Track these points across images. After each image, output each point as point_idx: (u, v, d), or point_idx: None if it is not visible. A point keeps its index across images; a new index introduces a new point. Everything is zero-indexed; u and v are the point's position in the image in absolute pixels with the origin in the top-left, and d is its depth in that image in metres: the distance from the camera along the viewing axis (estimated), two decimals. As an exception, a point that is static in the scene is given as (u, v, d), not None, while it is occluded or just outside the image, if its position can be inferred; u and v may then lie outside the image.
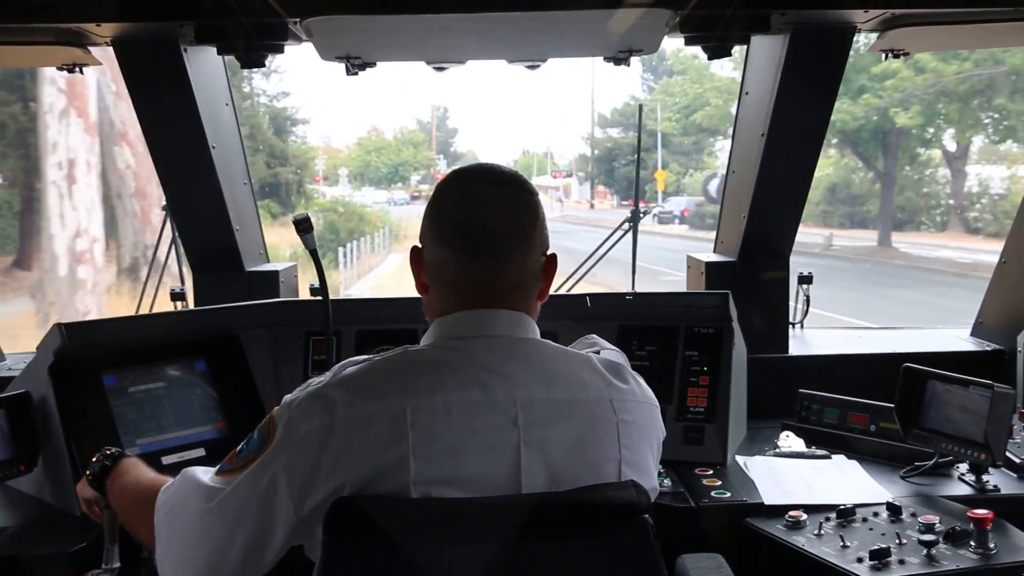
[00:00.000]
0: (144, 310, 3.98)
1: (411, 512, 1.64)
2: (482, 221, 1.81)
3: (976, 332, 4.04)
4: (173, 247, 4.01)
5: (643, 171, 44.81)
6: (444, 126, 69.29)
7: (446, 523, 1.64)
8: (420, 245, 1.90)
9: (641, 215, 4.13)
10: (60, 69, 3.42)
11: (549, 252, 1.91)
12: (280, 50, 3.11)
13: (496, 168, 1.92)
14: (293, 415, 1.72)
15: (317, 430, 1.68)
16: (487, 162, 1.95)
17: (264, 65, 3.13)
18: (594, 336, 2.32)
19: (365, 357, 1.81)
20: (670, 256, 15.29)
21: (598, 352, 2.01)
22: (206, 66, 3.50)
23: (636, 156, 4.39)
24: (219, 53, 3.25)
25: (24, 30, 3.04)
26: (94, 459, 2.17)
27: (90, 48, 3.27)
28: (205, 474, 1.81)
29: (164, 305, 4.00)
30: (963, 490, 2.84)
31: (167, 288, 3.99)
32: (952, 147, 29.72)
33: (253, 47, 3.08)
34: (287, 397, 1.78)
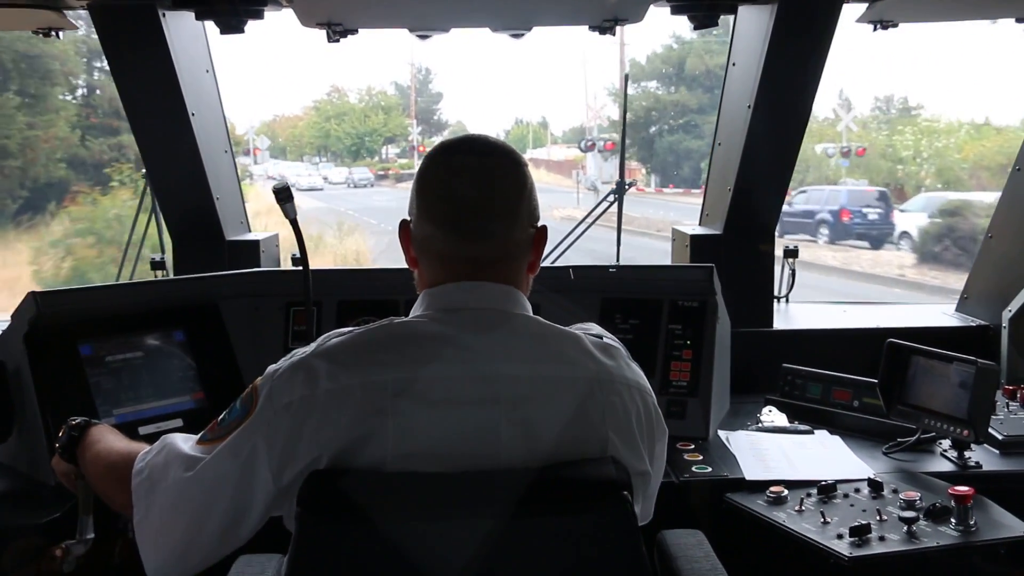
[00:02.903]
0: (124, 278, 3.95)
1: (386, 487, 1.62)
2: (466, 193, 1.79)
3: (961, 307, 4.03)
4: (153, 215, 3.97)
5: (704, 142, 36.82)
6: (426, 90, 56.73)
7: (422, 498, 1.62)
8: (408, 219, 1.88)
9: (627, 187, 4.13)
10: (36, 33, 3.36)
11: (539, 224, 1.88)
12: (260, 15, 3.06)
13: (482, 139, 1.89)
14: (275, 385, 1.71)
15: (298, 401, 1.67)
16: (475, 133, 1.93)
17: (243, 31, 3.07)
18: (595, 326, 2.28)
19: (350, 328, 1.79)
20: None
21: (600, 338, 1.97)
22: (185, 32, 3.45)
23: (622, 128, 4.35)
24: (197, 18, 3.19)
25: None
26: (60, 432, 2.15)
27: (66, 12, 3.21)
28: (186, 442, 1.80)
29: (145, 274, 3.97)
30: (945, 466, 2.83)
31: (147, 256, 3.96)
32: None
33: (231, 12, 3.02)
34: (271, 367, 1.76)
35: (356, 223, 25.51)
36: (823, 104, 37.10)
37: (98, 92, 24.93)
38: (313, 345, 1.76)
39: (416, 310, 1.85)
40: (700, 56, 36.79)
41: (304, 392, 1.67)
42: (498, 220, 1.80)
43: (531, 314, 1.85)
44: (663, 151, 36.49)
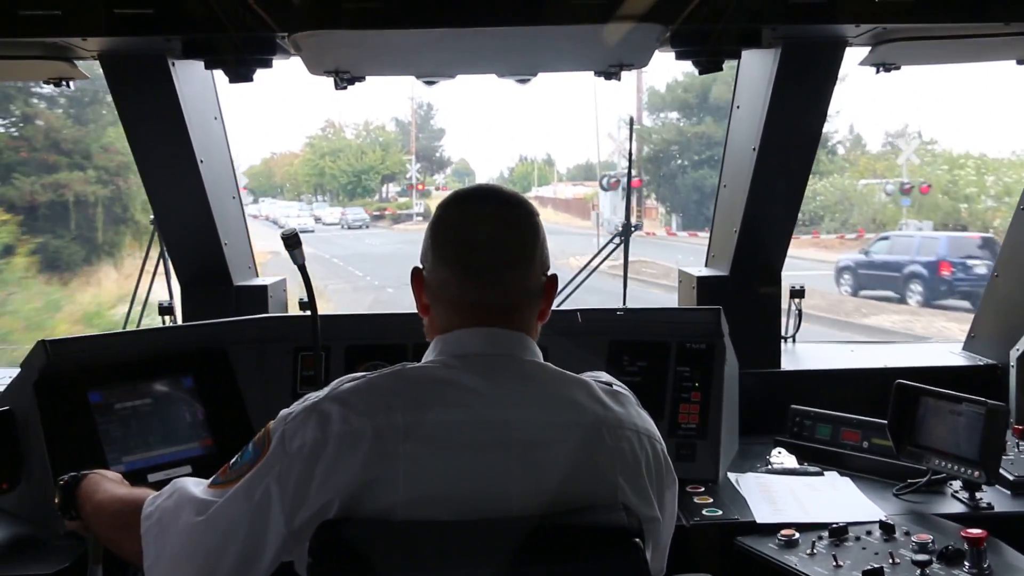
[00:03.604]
0: (133, 323, 3.96)
1: (396, 536, 1.62)
2: (480, 240, 1.82)
3: (969, 346, 4.02)
4: (162, 261, 3.99)
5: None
6: (427, 126, 54.00)
7: (431, 547, 1.62)
8: (421, 266, 1.90)
9: (633, 229, 4.14)
10: (47, 83, 3.39)
11: (550, 273, 1.91)
12: (268, 64, 3.10)
13: (496, 188, 1.93)
14: (288, 428, 1.72)
15: (311, 444, 1.68)
16: (488, 183, 1.96)
17: (252, 80, 3.11)
18: (604, 374, 2.28)
19: (363, 373, 1.81)
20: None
21: (610, 385, 1.98)
22: (194, 80, 3.48)
23: (628, 171, 4.39)
24: (207, 67, 3.23)
25: (10, 44, 3.01)
26: (55, 499, 2.15)
27: (76, 62, 3.25)
28: (197, 486, 1.81)
29: (153, 318, 3.98)
30: (957, 507, 2.82)
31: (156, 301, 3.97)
32: None
33: (241, 61, 3.06)
34: (284, 411, 1.78)
35: (332, 278, 22.26)
36: (837, 140, 35.88)
37: (38, 122, 20.71)
38: (326, 389, 1.78)
39: (428, 355, 1.87)
40: (727, 83, 32.01)
41: (316, 435, 1.68)
42: (511, 268, 1.83)
43: (541, 360, 1.86)
44: (686, 188, 32.64)
